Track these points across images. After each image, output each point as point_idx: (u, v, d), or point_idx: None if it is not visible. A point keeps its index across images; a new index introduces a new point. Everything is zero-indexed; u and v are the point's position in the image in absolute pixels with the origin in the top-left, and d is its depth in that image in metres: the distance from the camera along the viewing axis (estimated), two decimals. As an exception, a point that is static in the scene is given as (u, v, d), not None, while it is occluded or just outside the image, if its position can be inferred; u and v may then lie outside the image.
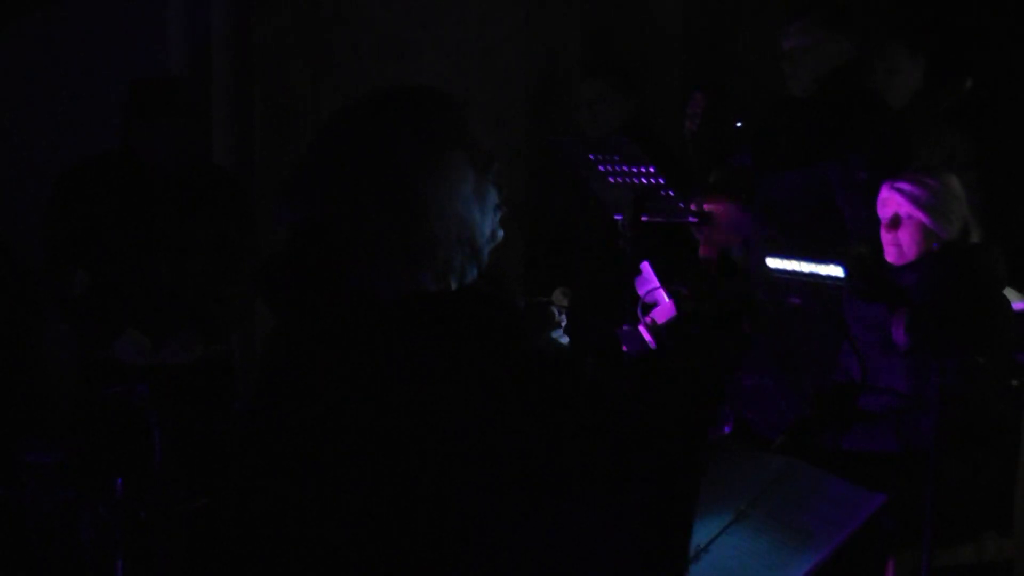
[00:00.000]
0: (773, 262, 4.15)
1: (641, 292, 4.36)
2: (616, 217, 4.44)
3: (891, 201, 4.01)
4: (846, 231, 4.43)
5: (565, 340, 2.54)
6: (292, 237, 2.19)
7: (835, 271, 3.97)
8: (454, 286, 2.15)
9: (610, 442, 2.10)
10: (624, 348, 4.18)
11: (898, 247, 4.01)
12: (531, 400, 2.07)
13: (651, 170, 4.29)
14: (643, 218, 4.37)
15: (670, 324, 4.14)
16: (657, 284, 4.34)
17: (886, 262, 4.05)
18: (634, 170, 4.31)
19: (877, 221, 4.06)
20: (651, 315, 4.24)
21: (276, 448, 2.20)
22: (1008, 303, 4.01)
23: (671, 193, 4.34)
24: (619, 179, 4.36)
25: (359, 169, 2.14)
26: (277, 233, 2.21)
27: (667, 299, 4.31)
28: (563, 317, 2.54)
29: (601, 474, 2.10)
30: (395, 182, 2.12)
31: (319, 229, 2.15)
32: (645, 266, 4.39)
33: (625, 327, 4.14)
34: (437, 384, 2.07)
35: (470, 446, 2.07)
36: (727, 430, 4.16)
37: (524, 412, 2.07)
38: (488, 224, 2.20)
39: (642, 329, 4.06)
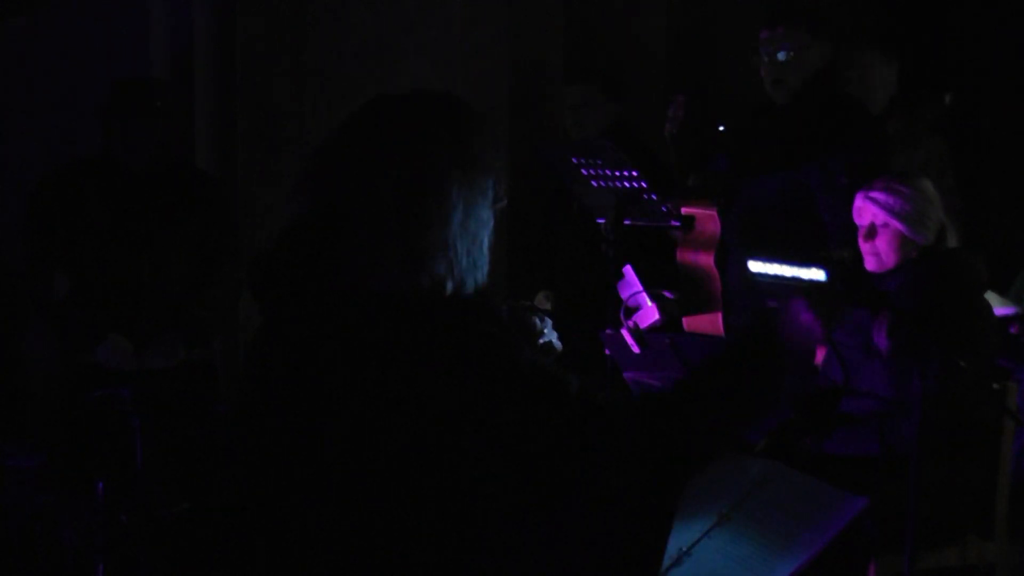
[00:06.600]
0: (755, 266, 4.15)
1: (624, 296, 4.37)
2: (599, 221, 4.44)
3: (866, 211, 4.01)
4: (826, 236, 4.43)
5: (557, 342, 2.52)
6: (286, 230, 2.18)
7: (817, 275, 3.97)
8: (450, 290, 2.15)
9: (586, 458, 2.10)
10: (607, 351, 4.18)
11: (877, 256, 4.01)
12: (510, 409, 2.08)
13: (634, 174, 4.29)
14: (626, 222, 4.37)
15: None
16: (640, 288, 4.35)
17: (866, 270, 4.05)
18: (617, 174, 4.31)
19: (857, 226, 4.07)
20: (634, 319, 4.25)
21: (264, 443, 2.21)
22: (989, 307, 4.03)
23: (654, 197, 4.34)
24: (602, 183, 4.36)
25: (389, 159, 2.14)
26: (260, 234, 2.21)
27: (649, 303, 4.33)
28: (547, 321, 2.52)
29: (576, 486, 2.10)
30: (422, 180, 2.13)
31: (316, 219, 2.15)
32: (628, 270, 4.40)
33: (608, 331, 4.15)
34: (422, 382, 2.07)
35: (449, 448, 2.07)
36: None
37: (502, 420, 2.07)
38: (487, 241, 2.21)
39: (625, 333, 4.06)
